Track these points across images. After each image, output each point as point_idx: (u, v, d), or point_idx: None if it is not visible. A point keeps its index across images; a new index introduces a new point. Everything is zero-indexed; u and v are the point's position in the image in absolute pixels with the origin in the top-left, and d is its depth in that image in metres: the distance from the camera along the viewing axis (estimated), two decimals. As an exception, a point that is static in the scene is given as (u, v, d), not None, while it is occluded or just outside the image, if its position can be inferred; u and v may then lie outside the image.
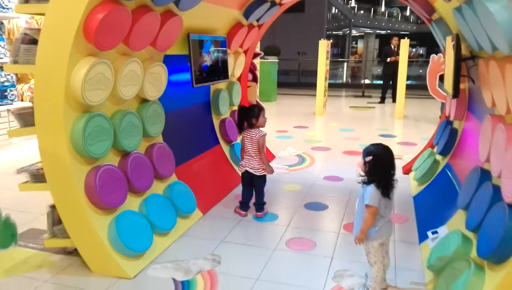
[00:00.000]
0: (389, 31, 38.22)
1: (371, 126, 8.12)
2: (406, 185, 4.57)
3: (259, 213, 3.70)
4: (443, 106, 9.50)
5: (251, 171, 3.67)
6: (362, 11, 37.06)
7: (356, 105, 11.12)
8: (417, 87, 12.79)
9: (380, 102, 11.45)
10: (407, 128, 7.93)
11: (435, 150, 4.59)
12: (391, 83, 11.34)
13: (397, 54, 10.96)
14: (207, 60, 4.10)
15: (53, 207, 2.88)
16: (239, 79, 5.36)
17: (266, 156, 3.69)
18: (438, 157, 4.24)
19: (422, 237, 3.21)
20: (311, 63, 20.94)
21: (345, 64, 18.55)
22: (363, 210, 2.39)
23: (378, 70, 17.75)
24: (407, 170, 4.95)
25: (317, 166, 5.29)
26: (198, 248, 3.12)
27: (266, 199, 3.78)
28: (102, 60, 2.65)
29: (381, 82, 12.42)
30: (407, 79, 10.82)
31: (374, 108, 10.63)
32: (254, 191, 3.74)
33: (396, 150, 6.19)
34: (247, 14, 4.53)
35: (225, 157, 4.74)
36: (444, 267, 2.46)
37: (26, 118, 2.82)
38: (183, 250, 3.09)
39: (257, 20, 4.90)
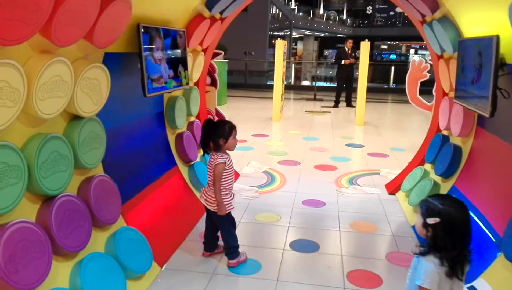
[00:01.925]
0: (327, 33, 38.88)
1: (333, 133, 7.54)
2: (397, 209, 3.95)
3: (230, 262, 2.85)
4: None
5: (205, 204, 2.84)
6: (301, 13, 37.36)
7: (311, 110, 10.57)
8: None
9: (334, 106, 11.02)
10: (371, 136, 7.45)
11: (427, 168, 4.02)
12: (345, 86, 10.95)
13: (351, 56, 10.62)
14: (163, 60, 3.15)
15: None
16: (196, 83, 4.45)
17: (220, 191, 2.76)
18: (437, 178, 3.66)
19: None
20: (257, 64, 20.44)
21: (293, 65, 18.02)
22: (416, 289, 1.63)
23: (317, 72, 17.47)
24: (393, 189, 4.34)
25: (291, 187, 4.53)
26: (160, 329, 2.19)
27: (239, 235, 2.92)
28: (6, 60, 1.65)
29: (325, 84, 11.94)
30: (354, 83, 10.50)
31: (330, 113, 10.15)
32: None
33: (368, 162, 5.67)
34: (210, 4, 3.64)
35: (184, 182, 3.80)
36: None
37: None
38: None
39: (220, 13, 4.03)
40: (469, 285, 2.36)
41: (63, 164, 2.13)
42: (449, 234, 1.56)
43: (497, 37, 2.36)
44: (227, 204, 2.78)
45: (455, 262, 1.57)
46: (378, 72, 19.73)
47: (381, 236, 3.40)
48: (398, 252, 3.10)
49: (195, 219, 3.55)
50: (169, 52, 3.30)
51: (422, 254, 1.62)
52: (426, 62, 4.80)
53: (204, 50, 4.34)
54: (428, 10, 3.30)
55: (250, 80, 17.65)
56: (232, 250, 2.86)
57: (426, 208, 1.63)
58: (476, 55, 2.69)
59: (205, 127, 2.86)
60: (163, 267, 2.80)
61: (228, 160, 2.78)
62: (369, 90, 11.44)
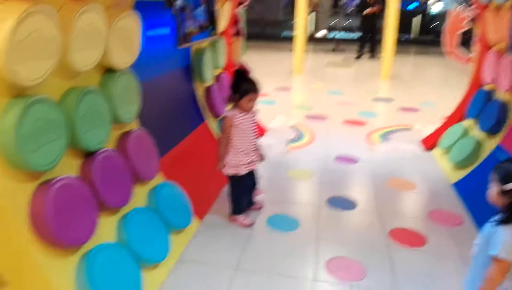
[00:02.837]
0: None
1: (359, 87, 7.28)
2: (433, 166, 3.82)
3: (230, 215, 2.83)
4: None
5: None
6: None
7: (332, 62, 10.21)
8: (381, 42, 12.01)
9: (356, 58, 10.63)
10: (400, 90, 7.18)
11: (467, 124, 3.83)
12: (369, 37, 10.48)
13: (374, 5, 10.06)
14: (195, 9, 2.96)
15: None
16: (222, 33, 4.23)
17: (227, 143, 2.66)
18: (480, 135, 3.48)
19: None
20: (271, 12, 19.61)
21: (313, 13, 17.22)
22: (487, 261, 1.54)
23: (335, 22, 16.62)
24: (430, 145, 4.19)
25: (321, 143, 4.40)
26: (207, 284, 2.18)
27: (273, 191, 2.86)
28: (39, 7, 1.51)
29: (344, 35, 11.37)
30: (378, 33, 9.99)
31: (353, 65, 9.79)
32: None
33: (399, 117, 5.47)
34: None
35: (214, 137, 3.71)
36: None
37: None
38: (186, 289, 2.14)
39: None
40: None
41: (102, 118, 2.03)
42: None
43: None
44: (235, 165, 2.67)
45: None
46: (400, 21, 18.84)
47: (421, 194, 3.30)
48: (441, 210, 3.00)
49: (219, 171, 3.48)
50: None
51: (503, 222, 1.50)
52: (466, 11, 4.47)
53: (231, -3, 4.09)
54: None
55: (266, 30, 17.05)
56: (234, 206, 2.80)
57: (503, 174, 1.51)
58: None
59: (233, 77, 2.71)
60: (202, 221, 2.77)
61: (239, 117, 2.62)
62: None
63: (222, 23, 4.04)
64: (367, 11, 9.99)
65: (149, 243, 2.17)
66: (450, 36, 4.63)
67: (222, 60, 4.13)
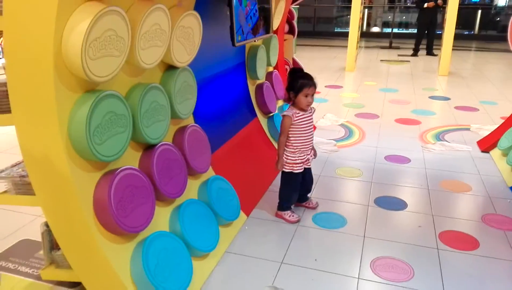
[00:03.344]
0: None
1: (414, 84, 7.06)
2: (491, 168, 3.65)
3: (276, 211, 2.88)
4: None
5: None
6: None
7: (387, 59, 9.94)
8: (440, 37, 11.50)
9: (412, 55, 10.26)
10: (458, 88, 6.87)
11: (531, 125, 3.62)
12: (426, 33, 10.07)
13: (435, -1, 9.65)
14: (251, 8, 3.04)
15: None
16: (275, 31, 4.29)
17: (284, 144, 2.71)
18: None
19: None
20: (325, 10, 19.38)
21: (366, 10, 16.82)
22: None
23: (389, 17, 16.10)
24: (487, 147, 4.00)
25: (371, 141, 4.35)
26: (252, 275, 2.26)
27: (320, 189, 2.91)
28: (113, 7, 1.64)
29: (401, 30, 10.99)
30: (437, 29, 9.57)
31: (409, 62, 9.47)
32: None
33: (456, 117, 5.25)
34: None
35: (264, 134, 3.79)
36: None
37: (0, 101, 1.86)
38: (232, 279, 2.24)
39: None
40: None
41: (162, 114, 2.16)
42: None
43: None
44: (291, 163, 2.71)
45: None
46: (462, 17, 17.92)
47: (476, 197, 3.18)
48: (496, 214, 2.88)
49: (276, 171, 3.55)
50: (253, -2, 3.16)
51: None
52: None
53: (285, -5, 4.13)
54: None
55: (318, 27, 16.88)
56: (283, 202, 2.85)
57: None
58: None
59: (288, 76, 2.76)
60: (249, 216, 2.86)
61: (298, 116, 2.65)
62: (456, 37, 10.48)
63: (276, 21, 4.10)
64: (429, 4, 9.59)
65: (200, 234, 2.29)
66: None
67: (275, 58, 4.19)
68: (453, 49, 10.48)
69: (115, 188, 1.81)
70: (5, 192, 1.97)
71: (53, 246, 2.07)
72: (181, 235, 2.15)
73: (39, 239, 2.24)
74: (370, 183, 3.39)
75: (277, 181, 3.37)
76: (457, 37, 13.20)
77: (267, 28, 3.47)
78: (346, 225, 2.76)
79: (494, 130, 4.12)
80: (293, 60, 5.11)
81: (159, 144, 2.17)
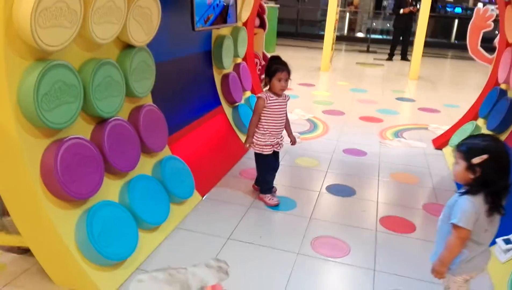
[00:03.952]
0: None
1: (384, 86, 7.29)
2: (442, 163, 3.85)
3: (259, 195, 3.00)
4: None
5: None
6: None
7: (362, 62, 10.19)
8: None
9: (388, 59, 10.54)
10: (425, 92, 7.13)
11: (480, 123, 3.84)
12: (401, 38, 10.36)
13: (411, 5, 9.92)
14: (213, -4, 3.15)
15: (-1, 192, 2.06)
16: (245, 24, 4.41)
17: (255, 124, 2.85)
18: (489, 133, 3.49)
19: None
20: (309, 12, 19.64)
21: (347, 14, 17.14)
22: (448, 230, 1.64)
23: (373, 24, 16.52)
24: (440, 144, 4.21)
25: (333, 135, 4.51)
26: (198, 249, 2.37)
27: (278, 176, 3.04)
28: (63, -19, 1.72)
29: (381, 36, 11.33)
30: (411, 35, 9.84)
31: (383, 66, 9.74)
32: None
33: (417, 117, 5.47)
34: None
35: (227, 122, 3.90)
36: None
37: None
38: (178, 252, 2.34)
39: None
40: (505, 237, 2.33)
41: (116, 89, 2.24)
42: (499, 167, 1.53)
43: None
44: (261, 144, 2.85)
45: (501, 195, 1.55)
46: (439, 26, 18.40)
47: (421, 188, 3.36)
48: (437, 203, 3.06)
49: (237, 158, 3.68)
50: (219, -12, 3.27)
51: (468, 193, 1.58)
52: (492, 10, 4.42)
53: (255, -11, 4.25)
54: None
55: (302, 29, 17.10)
56: (262, 185, 2.99)
57: (468, 149, 1.58)
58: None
59: (267, 62, 2.91)
60: (204, 197, 2.97)
61: (272, 99, 2.80)
62: (429, 44, 10.83)
63: (244, 13, 4.21)
64: (404, 10, 9.86)
65: (149, 208, 2.37)
66: (474, 35, 4.59)
67: (243, 50, 4.30)
68: (428, 56, 10.83)
69: (62, 154, 1.88)
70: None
71: (4, 212, 2.13)
72: (129, 207, 2.24)
73: None
74: (324, 172, 3.54)
75: (238, 167, 3.51)
76: (433, 44, 13.63)
77: (233, 18, 3.58)
78: (295, 208, 2.90)
79: (449, 129, 4.33)
80: (263, 54, 5.24)
81: (112, 119, 2.25)
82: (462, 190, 1.60)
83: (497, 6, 3.99)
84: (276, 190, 3.08)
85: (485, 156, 1.52)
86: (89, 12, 1.93)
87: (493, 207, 1.55)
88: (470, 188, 1.57)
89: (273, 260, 2.30)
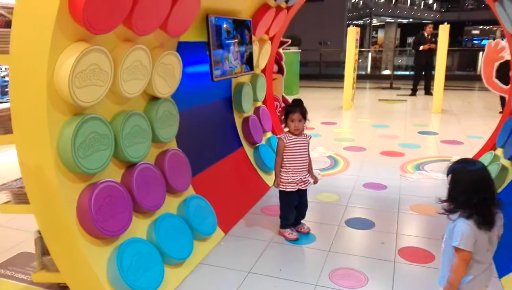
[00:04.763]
0: (411, 20, 36.68)
1: (406, 121, 7.36)
2: (463, 194, 3.84)
3: (279, 229, 3.13)
4: (503, 100, 8.60)
5: None
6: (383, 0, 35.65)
7: (385, 98, 10.31)
8: (447, 78, 11.88)
9: (411, 94, 10.62)
10: (448, 124, 7.14)
11: (498, 153, 3.86)
12: (423, 73, 10.48)
13: (431, 42, 10.10)
14: (230, 48, 3.45)
15: (41, 232, 2.30)
16: (263, 70, 4.71)
17: (279, 164, 3.03)
18: (506, 163, 3.51)
19: (502, 269, 2.53)
20: (332, 54, 20.15)
21: (369, 54, 17.51)
22: (452, 252, 1.72)
23: (399, 61, 16.75)
24: (462, 176, 4.21)
25: (353, 170, 4.61)
26: (221, 282, 2.50)
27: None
28: (97, 46, 2.03)
29: (406, 72, 11.49)
30: (433, 70, 9.94)
31: (406, 101, 9.82)
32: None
33: (440, 150, 5.49)
34: (275, -6, 3.86)
35: (249, 162, 4.10)
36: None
37: (5, 124, 2.23)
38: (201, 286, 2.48)
39: (286, 2, 4.22)
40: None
41: (143, 137, 2.51)
42: (460, 187, 1.69)
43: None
44: (284, 182, 2.99)
45: (480, 214, 1.65)
46: (465, 58, 18.41)
47: (441, 218, 3.34)
48: (457, 234, 3.07)
49: (258, 196, 3.84)
50: (236, 41, 3.59)
51: (448, 212, 1.72)
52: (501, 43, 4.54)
53: (271, 39, 4.58)
54: (497, -13, 3.18)
55: (326, 70, 17.53)
56: (282, 221, 3.10)
57: (446, 169, 1.76)
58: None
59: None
60: (227, 233, 3.12)
61: (290, 139, 2.97)
62: (455, 77, 10.83)
63: (262, 61, 4.52)
64: (424, 46, 10.05)
65: (175, 244, 2.56)
66: (488, 66, 4.69)
67: (262, 94, 4.58)
68: (455, 89, 10.84)
69: (95, 197, 2.12)
70: (7, 202, 2.31)
71: (45, 252, 2.37)
72: (156, 243, 2.43)
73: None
74: (344, 206, 3.63)
75: (260, 205, 3.66)
76: (460, 78, 13.61)
77: (250, 66, 3.88)
78: (315, 241, 3.00)
79: (469, 159, 4.33)
80: (283, 96, 5.49)
81: (140, 163, 2.50)
82: (444, 208, 1.73)
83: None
84: (309, 230, 3.12)
85: (449, 176, 1.67)
86: (119, 71, 2.23)
87: (481, 223, 1.65)
88: (449, 206, 1.69)
89: (291, 292, 2.40)
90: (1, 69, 5.45)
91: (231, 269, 2.64)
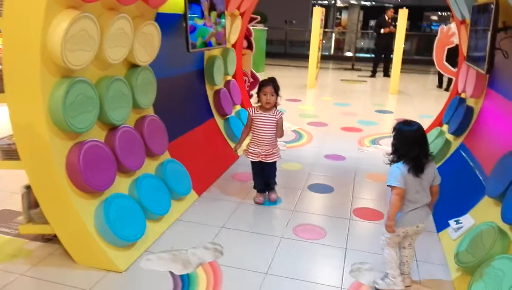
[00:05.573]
0: (373, 3, 37.39)
1: (366, 100, 7.81)
2: (412, 165, 4.30)
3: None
4: (440, 79, 9.30)
5: None
6: (347, -19, 35.98)
7: (347, 79, 10.77)
8: (404, 61, 12.50)
9: (371, 76, 11.14)
10: (403, 104, 7.67)
11: (444, 128, 4.32)
12: (383, 56, 11.00)
13: (391, 25, 10.57)
14: (204, 21, 3.63)
15: (28, 187, 2.46)
16: (234, 45, 4.90)
17: (244, 133, 3.29)
18: (450, 137, 3.97)
19: (440, 225, 2.96)
20: (298, 33, 20.40)
21: (333, 35, 17.93)
22: (390, 195, 2.12)
23: (362, 43, 17.29)
24: (411, 149, 4.67)
25: (316, 143, 4.97)
26: (197, 235, 2.77)
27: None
28: (86, 13, 2.18)
29: (367, 55, 11.99)
30: (392, 53, 10.51)
31: (366, 82, 10.32)
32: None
33: (394, 127, 5.92)
34: (248, -29, 4.04)
35: (219, 132, 4.34)
36: (478, 265, 2.19)
37: (-7, 83, 2.34)
38: (179, 238, 2.74)
39: (258, -20, 4.41)
40: (456, 219, 2.77)
41: (125, 102, 2.68)
42: (399, 141, 2.11)
43: (496, 2, 2.64)
44: (247, 151, 3.22)
45: (414, 162, 2.07)
46: (423, 43, 19.23)
47: (392, 184, 3.79)
48: (404, 197, 3.49)
49: (228, 163, 4.11)
50: (210, 14, 3.76)
51: (391, 162, 2.13)
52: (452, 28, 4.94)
53: (242, 15, 4.76)
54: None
55: (291, 49, 17.78)
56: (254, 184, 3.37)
57: (392, 128, 2.20)
58: (482, 19, 2.96)
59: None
60: (200, 195, 3.38)
61: (257, 114, 3.14)
62: (413, 61, 11.41)
63: (233, 36, 4.71)
64: (384, 29, 10.50)
65: (154, 200, 2.78)
66: (439, 50, 5.11)
67: (232, 68, 4.79)
68: (413, 72, 11.43)
69: (84, 153, 2.30)
70: (-6, 158, 2.43)
71: (31, 205, 2.53)
72: (137, 199, 2.65)
73: (16, 209, 2.72)
74: (307, 174, 3.98)
75: (230, 171, 3.93)
76: (419, 62, 14.29)
77: (222, 40, 4.07)
78: (280, 203, 3.32)
79: (419, 135, 4.80)
80: (251, 72, 5.72)
81: (122, 126, 2.68)
82: (389, 159, 2.15)
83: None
84: (275, 198, 3.29)
85: (393, 132, 2.12)
86: (104, 38, 2.39)
87: (412, 169, 2.06)
88: (393, 158, 2.11)
89: (260, 243, 2.71)
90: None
91: (206, 225, 2.91)
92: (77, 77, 2.27)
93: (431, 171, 2.14)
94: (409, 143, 2.08)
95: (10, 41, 2.09)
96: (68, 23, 2.07)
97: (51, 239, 2.62)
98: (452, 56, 5.31)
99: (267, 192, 3.35)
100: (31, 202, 2.53)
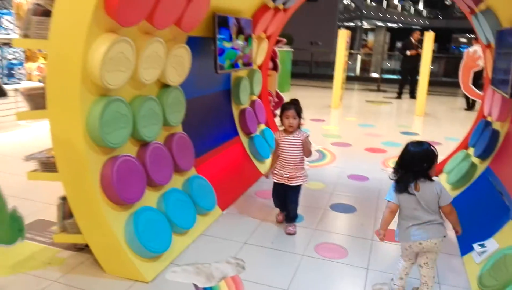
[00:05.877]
0: (400, 25, 37.36)
1: (390, 122, 7.79)
2: (437, 188, 4.26)
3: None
4: (468, 101, 9.15)
5: None
6: (374, 3, 36.20)
7: (372, 100, 10.76)
8: (431, 83, 12.39)
9: (397, 97, 11.10)
10: (429, 126, 7.60)
11: (470, 152, 4.28)
12: (409, 78, 10.96)
13: (417, 47, 10.56)
14: (233, 44, 3.79)
15: (64, 199, 2.61)
16: (260, 67, 5.05)
17: (275, 157, 3.24)
18: (476, 160, 3.93)
19: (464, 249, 2.93)
20: (323, 54, 20.58)
21: (358, 56, 17.99)
22: None
23: (388, 64, 17.27)
24: (437, 171, 4.63)
25: (339, 163, 5.00)
26: (220, 250, 2.85)
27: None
28: (124, 37, 2.35)
29: (393, 76, 11.98)
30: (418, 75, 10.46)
31: (391, 103, 10.28)
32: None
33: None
34: (274, -4, 4.20)
35: (244, 150, 4.45)
36: (501, 289, 2.17)
37: (36, 100, 2.53)
38: (203, 252, 2.82)
39: (284, 4, 4.56)
40: (480, 242, 2.74)
41: (156, 119, 2.83)
42: (400, 162, 2.27)
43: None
44: (274, 172, 3.20)
45: (403, 180, 2.20)
46: (451, 65, 19.01)
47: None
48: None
49: (252, 181, 4.19)
50: (238, 37, 3.92)
51: (391, 179, 2.29)
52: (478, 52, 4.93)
53: (268, 37, 4.92)
54: (472, 3, 3.57)
55: (316, 70, 17.93)
56: None
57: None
58: (507, 43, 2.98)
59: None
60: (224, 211, 3.47)
61: (282, 137, 3.15)
62: (441, 83, 11.32)
63: (259, 58, 4.86)
64: (411, 52, 10.50)
65: (180, 214, 2.89)
66: (465, 73, 5.09)
67: (258, 88, 4.92)
68: (440, 95, 11.32)
69: (117, 167, 2.44)
70: (35, 170, 2.61)
71: (65, 216, 2.68)
72: (165, 212, 2.76)
73: (51, 219, 2.87)
74: (330, 193, 4.01)
75: (254, 189, 4.01)
76: (443, 84, 14.14)
77: (245, 64, 4.22)
78: (303, 221, 3.36)
79: (444, 158, 4.76)
80: (276, 92, 5.84)
81: (153, 142, 2.82)
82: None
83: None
84: (293, 232, 3.13)
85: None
86: (139, 60, 2.55)
87: (396, 187, 2.22)
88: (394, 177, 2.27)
89: (282, 260, 2.76)
90: (8, 52, 5.66)
91: (229, 240, 2.99)
92: (113, 96, 2.43)
93: (428, 191, 2.19)
94: (398, 163, 2.26)
95: (53, 62, 2.27)
96: (107, 47, 2.23)
97: (83, 248, 2.75)
98: (479, 78, 5.27)
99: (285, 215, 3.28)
100: (65, 212, 2.68)
